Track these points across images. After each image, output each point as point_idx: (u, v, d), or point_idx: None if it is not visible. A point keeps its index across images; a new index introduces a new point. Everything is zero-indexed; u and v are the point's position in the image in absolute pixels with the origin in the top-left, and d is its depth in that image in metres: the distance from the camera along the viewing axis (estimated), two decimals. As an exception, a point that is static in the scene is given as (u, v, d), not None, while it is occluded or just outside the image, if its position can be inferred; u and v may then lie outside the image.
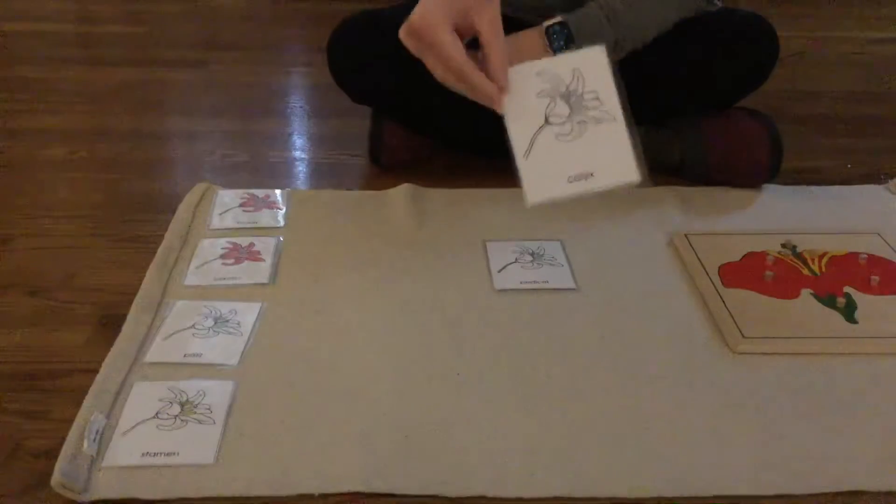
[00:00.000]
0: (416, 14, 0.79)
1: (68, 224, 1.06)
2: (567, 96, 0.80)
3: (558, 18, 0.98)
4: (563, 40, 0.97)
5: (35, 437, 0.71)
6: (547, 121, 0.80)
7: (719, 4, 1.13)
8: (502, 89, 0.79)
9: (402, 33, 0.81)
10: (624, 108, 0.80)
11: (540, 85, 0.80)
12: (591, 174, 0.79)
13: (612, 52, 1.01)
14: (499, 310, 0.89)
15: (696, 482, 0.67)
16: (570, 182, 0.80)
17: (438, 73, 0.81)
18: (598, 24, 1.00)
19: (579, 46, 0.96)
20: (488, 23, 0.79)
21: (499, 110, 0.80)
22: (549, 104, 0.80)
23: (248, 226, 1.04)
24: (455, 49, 0.79)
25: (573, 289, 0.92)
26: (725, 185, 1.15)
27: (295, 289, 0.92)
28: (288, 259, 0.97)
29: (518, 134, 0.80)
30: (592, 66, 0.80)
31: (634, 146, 0.79)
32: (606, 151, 0.80)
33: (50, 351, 0.82)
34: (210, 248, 0.99)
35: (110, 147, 1.31)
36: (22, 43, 1.89)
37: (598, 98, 0.80)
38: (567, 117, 0.80)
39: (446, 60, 0.79)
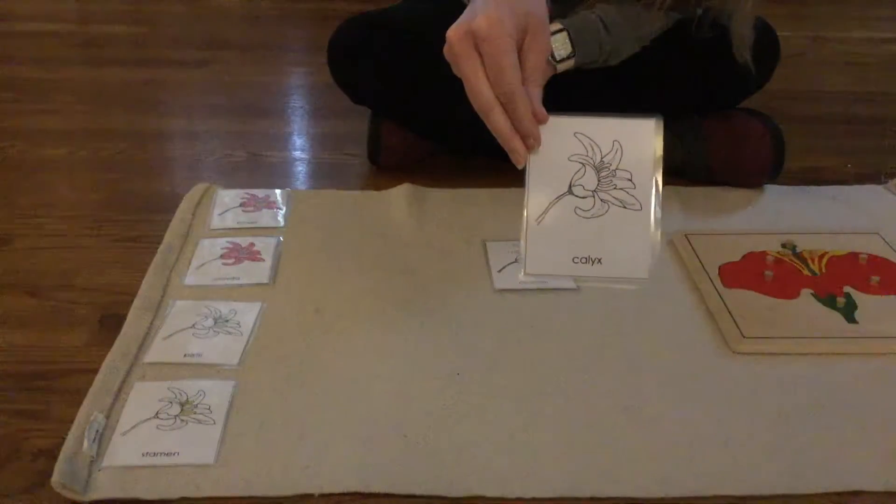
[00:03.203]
0: (483, 18, 0.67)
1: (68, 224, 1.06)
2: (598, 167, 0.72)
3: (557, 25, 0.94)
4: (563, 50, 0.93)
5: (35, 437, 0.71)
6: (570, 190, 0.72)
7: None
8: (533, 140, 0.70)
9: (457, 34, 0.69)
10: (658, 194, 0.72)
11: (575, 147, 0.72)
12: (599, 260, 0.73)
13: (607, 60, 1.01)
14: (499, 310, 0.89)
15: (696, 482, 0.67)
16: (575, 263, 0.73)
17: (482, 89, 0.69)
18: (597, 32, 0.97)
19: (579, 55, 0.95)
20: (538, 51, 0.70)
21: (519, 164, 0.71)
22: (577, 171, 0.72)
23: (248, 226, 1.04)
24: (515, 71, 0.68)
25: (573, 289, 0.92)
26: (727, 186, 1.15)
27: (295, 289, 0.92)
28: (288, 259, 0.97)
29: (536, 195, 0.73)
30: (637, 141, 0.72)
31: (654, 242, 0.72)
32: (622, 241, 0.72)
33: (50, 351, 0.82)
34: (210, 248, 0.99)
35: (110, 147, 1.31)
36: (22, 43, 1.89)
37: (630, 180, 0.72)
38: (592, 191, 0.72)
39: (504, 82, 0.68)
